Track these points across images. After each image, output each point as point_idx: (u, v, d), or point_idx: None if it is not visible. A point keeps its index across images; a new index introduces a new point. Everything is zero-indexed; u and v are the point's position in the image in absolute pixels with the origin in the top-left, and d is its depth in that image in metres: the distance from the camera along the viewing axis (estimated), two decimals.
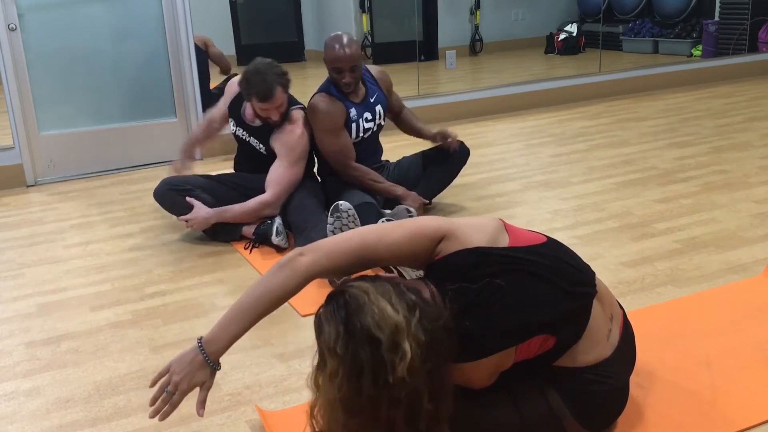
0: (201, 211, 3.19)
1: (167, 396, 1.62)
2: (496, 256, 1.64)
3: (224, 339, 1.62)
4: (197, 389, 1.64)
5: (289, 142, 3.23)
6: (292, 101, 3.31)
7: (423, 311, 1.49)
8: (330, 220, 2.91)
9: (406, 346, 1.42)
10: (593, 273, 1.78)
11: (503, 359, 1.64)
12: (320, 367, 1.51)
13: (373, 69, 3.51)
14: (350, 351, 1.44)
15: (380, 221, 3.00)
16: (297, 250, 1.65)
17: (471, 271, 1.62)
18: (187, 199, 3.21)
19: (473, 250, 1.64)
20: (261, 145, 3.32)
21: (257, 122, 3.29)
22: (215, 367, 1.64)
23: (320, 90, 3.30)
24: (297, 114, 3.26)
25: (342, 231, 2.85)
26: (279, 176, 3.23)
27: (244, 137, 3.37)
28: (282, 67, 3.18)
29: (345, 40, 3.21)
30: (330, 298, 1.54)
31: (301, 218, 3.14)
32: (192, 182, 3.32)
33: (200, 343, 1.64)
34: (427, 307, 1.52)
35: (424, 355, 1.44)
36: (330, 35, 3.26)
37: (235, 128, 3.40)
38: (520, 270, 1.64)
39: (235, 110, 3.37)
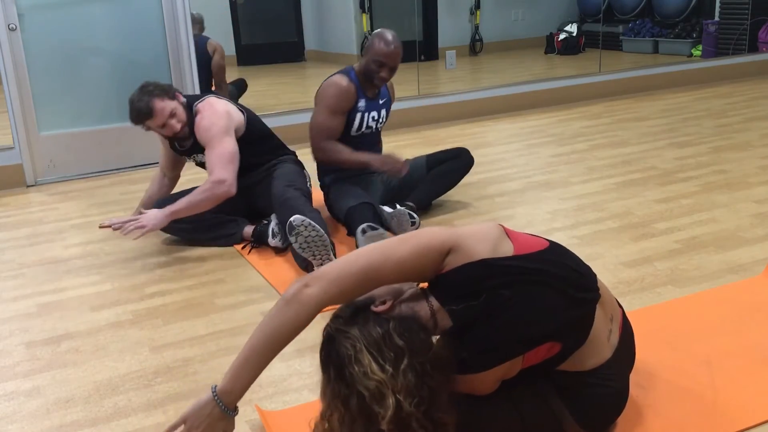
0: (149, 213, 3.03)
1: None
2: (502, 267, 1.63)
3: (240, 387, 1.59)
4: None
5: (205, 127, 3.14)
6: (194, 98, 3.24)
7: (412, 352, 1.49)
8: (292, 240, 2.78)
9: (390, 401, 1.44)
10: (595, 276, 1.78)
11: (510, 368, 1.64)
12: (322, 411, 1.57)
13: None
14: (341, 399, 1.49)
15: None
16: (301, 281, 1.58)
17: (478, 285, 1.61)
18: (133, 216, 3.06)
19: (479, 263, 1.62)
20: (201, 155, 3.25)
21: (186, 144, 3.25)
22: (233, 414, 1.61)
23: (341, 72, 3.34)
24: (201, 105, 3.20)
25: (308, 243, 2.76)
26: (212, 159, 3.09)
27: (195, 160, 3.34)
28: (153, 83, 3.13)
29: (394, 38, 3.26)
30: (324, 340, 1.57)
31: (286, 217, 2.96)
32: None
33: (215, 394, 1.59)
34: (416, 342, 1.52)
35: (416, 399, 1.46)
36: (380, 30, 3.30)
37: (182, 157, 3.39)
38: (526, 280, 1.63)
39: (171, 142, 3.30)
